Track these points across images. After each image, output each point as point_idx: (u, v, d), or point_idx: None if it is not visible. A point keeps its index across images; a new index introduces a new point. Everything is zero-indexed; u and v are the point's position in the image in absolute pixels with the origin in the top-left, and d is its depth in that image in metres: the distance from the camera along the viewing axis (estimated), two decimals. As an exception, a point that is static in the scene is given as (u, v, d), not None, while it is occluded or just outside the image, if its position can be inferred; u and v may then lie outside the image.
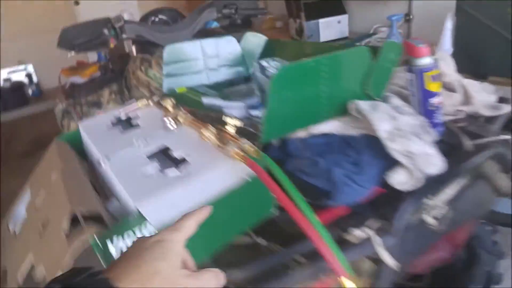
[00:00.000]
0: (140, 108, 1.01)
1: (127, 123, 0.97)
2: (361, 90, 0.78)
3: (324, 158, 0.74)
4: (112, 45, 1.62)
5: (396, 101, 0.80)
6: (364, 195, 0.69)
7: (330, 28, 2.51)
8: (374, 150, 0.73)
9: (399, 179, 0.68)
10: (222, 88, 1.12)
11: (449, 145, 0.80)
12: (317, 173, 0.74)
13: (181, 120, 0.81)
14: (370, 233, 0.64)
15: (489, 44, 1.54)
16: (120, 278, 0.35)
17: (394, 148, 0.68)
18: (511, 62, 1.47)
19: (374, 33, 2.40)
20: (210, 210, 0.45)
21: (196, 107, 0.96)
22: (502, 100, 0.96)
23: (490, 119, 0.90)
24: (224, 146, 0.65)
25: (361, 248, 0.64)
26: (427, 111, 0.82)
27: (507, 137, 0.80)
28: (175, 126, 0.82)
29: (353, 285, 0.54)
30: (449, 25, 1.58)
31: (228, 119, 0.69)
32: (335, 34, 2.54)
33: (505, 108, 0.90)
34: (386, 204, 0.72)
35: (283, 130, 0.73)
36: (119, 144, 0.80)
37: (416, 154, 0.68)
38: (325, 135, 0.79)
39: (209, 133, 0.68)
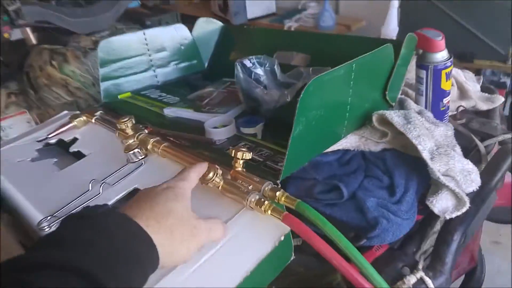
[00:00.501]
0: (76, 127, 0.75)
1: (63, 153, 0.71)
2: (380, 95, 0.64)
3: (343, 182, 0.60)
4: (6, 35, 1.26)
5: (413, 105, 0.68)
6: (408, 229, 0.56)
7: (257, 4, 2.33)
8: (406, 171, 0.60)
9: (444, 206, 0.56)
10: (177, 90, 0.90)
11: (465, 150, 0.71)
12: (339, 202, 0.60)
13: (154, 151, 0.60)
14: (423, 275, 0.53)
15: (436, 24, 1.52)
16: (135, 215, 0.36)
17: (438, 169, 0.56)
18: (459, 43, 1.47)
19: (303, 9, 2.29)
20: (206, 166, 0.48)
21: (155, 121, 0.74)
22: (487, 90, 0.91)
23: (486, 113, 0.84)
24: (242, 195, 0.47)
25: (416, 297, 0.52)
26: (439, 113, 0.72)
27: (517, 134, 0.74)
28: (141, 158, 0.60)
29: None
30: (395, 4, 1.53)
31: (237, 152, 0.50)
32: (262, 11, 2.37)
33: (499, 100, 0.85)
34: (422, 233, 0.61)
35: (306, 158, 0.57)
36: (64, 193, 0.57)
37: (457, 173, 0.58)
38: (336, 152, 0.65)
39: (214, 176, 0.48)
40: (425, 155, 0.56)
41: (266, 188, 0.49)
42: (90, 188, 0.56)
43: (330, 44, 0.80)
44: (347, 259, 0.43)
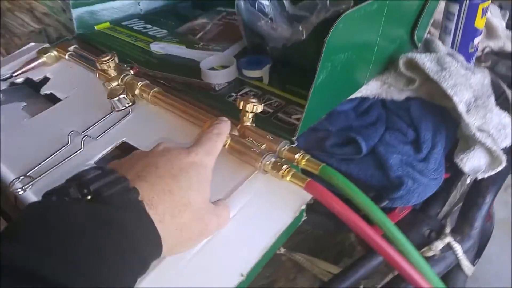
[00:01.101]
0: (46, 63, 0.64)
1: (33, 95, 0.61)
2: (407, 34, 0.55)
3: (361, 135, 0.53)
4: None
5: (442, 46, 0.59)
6: (435, 190, 0.50)
7: None
8: (433, 123, 0.53)
9: (476, 164, 0.50)
10: (164, 21, 0.78)
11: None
12: (356, 158, 0.53)
13: (143, 97, 0.50)
14: (452, 241, 0.48)
15: None
16: (152, 202, 0.30)
17: (473, 122, 0.49)
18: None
19: None
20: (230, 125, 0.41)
21: (141, 59, 0.63)
22: (512, 26, 0.82)
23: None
24: (255, 157, 0.39)
25: (443, 262, 0.48)
26: (467, 55, 0.63)
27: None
28: (128, 106, 0.51)
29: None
30: None
31: (247, 103, 0.41)
32: None
33: (527, 40, 0.76)
34: (446, 194, 0.55)
35: (325, 110, 0.49)
36: (39, 146, 0.48)
37: (492, 127, 0.51)
38: (353, 100, 0.56)
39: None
40: (461, 108, 0.48)
41: (283, 149, 0.41)
42: (69, 142, 0.47)
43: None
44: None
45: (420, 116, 0.53)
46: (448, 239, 0.47)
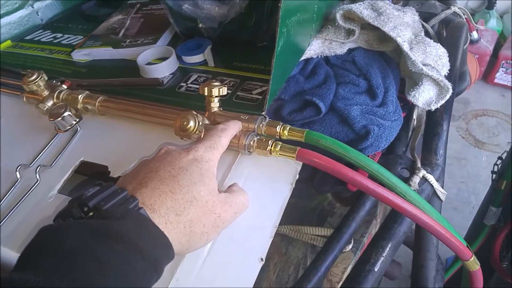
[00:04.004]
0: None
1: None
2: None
3: (316, 96, 0.53)
4: None
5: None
6: (398, 130, 0.53)
7: None
8: (380, 68, 0.55)
9: (427, 97, 0.53)
10: (73, 27, 0.70)
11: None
12: (317, 119, 0.53)
13: (88, 109, 0.45)
14: (425, 173, 0.51)
15: None
16: (154, 206, 0.30)
17: (418, 59, 0.51)
18: None
19: None
20: (240, 125, 0.39)
21: (67, 72, 0.57)
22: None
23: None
24: (235, 140, 0.37)
25: (423, 195, 0.51)
26: (387, -2, 0.67)
27: (456, 7, 0.73)
28: (75, 123, 0.45)
29: (478, 263, 0.42)
30: None
31: (212, 88, 0.39)
32: None
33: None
34: (406, 131, 0.58)
35: (284, 78, 0.48)
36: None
37: (432, 59, 0.54)
38: (297, 64, 0.56)
39: (196, 125, 0.37)
40: (406, 47, 0.50)
41: (261, 125, 0.39)
42: (19, 177, 0.41)
43: None
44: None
45: (366, 65, 0.55)
46: (422, 172, 0.50)
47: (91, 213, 0.28)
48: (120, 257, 0.25)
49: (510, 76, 2.08)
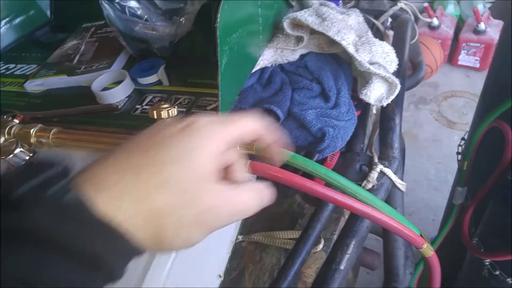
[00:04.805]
0: None
1: None
2: (282, -3, 0.57)
3: (274, 104, 0.54)
4: None
5: (314, -1, 0.62)
6: (353, 129, 0.54)
7: None
8: (331, 71, 0.57)
9: (378, 94, 0.55)
10: (27, 56, 0.70)
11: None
12: (277, 126, 0.55)
13: (43, 143, 0.46)
14: (382, 167, 0.53)
15: None
16: (103, 185, 0.22)
17: (364, 59, 0.53)
18: None
19: None
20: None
21: (21, 104, 0.57)
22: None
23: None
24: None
25: (382, 188, 0.52)
26: (335, 0, 0.69)
27: (403, 3, 0.76)
28: (28, 159, 0.46)
29: (432, 248, 0.44)
30: None
31: (160, 111, 0.40)
32: None
33: (376, -27, 0.84)
34: (363, 128, 0.60)
35: (237, 91, 0.49)
36: None
37: (379, 57, 0.56)
38: (253, 74, 0.58)
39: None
40: (351, 49, 0.52)
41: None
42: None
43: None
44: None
45: (318, 69, 0.57)
46: (379, 167, 0.52)
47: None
48: (28, 261, 0.20)
49: (472, 57, 2.14)
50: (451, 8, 2.27)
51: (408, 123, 2.13)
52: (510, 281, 0.74)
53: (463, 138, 0.98)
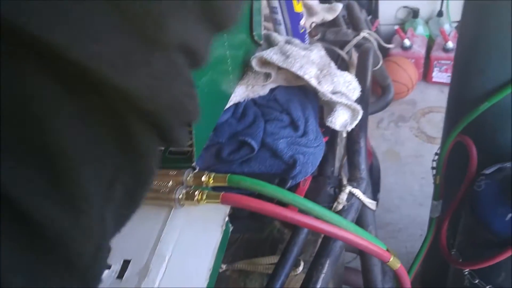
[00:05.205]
0: None
1: None
2: (249, 38, 0.62)
3: (248, 136, 0.58)
4: None
5: (279, 37, 0.68)
6: (322, 154, 0.58)
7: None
8: (299, 102, 0.61)
9: (343, 120, 0.60)
10: None
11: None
12: (252, 156, 0.59)
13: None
14: (351, 189, 0.56)
15: None
16: None
17: (327, 90, 0.58)
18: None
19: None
20: None
21: None
22: (324, 0, 0.97)
23: (332, 22, 0.90)
24: (167, 196, 0.41)
25: (352, 208, 0.56)
26: (300, 35, 0.74)
27: (365, 33, 0.81)
28: None
29: (399, 261, 0.47)
30: None
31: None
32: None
33: (339, 7, 0.91)
34: (332, 152, 0.64)
35: (210, 128, 0.53)
36: None
37: (341, 87, 0.61)
38: (228, 109, 0.62)
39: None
40: (313, 82, 0.57)
41: (188, 178, 0.44)
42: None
43: None
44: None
45: (287, 101, 0.61)
46: (348, 188, 0.56)
47: None
48: None
49: (444, 73, 2.24)
50: (421, 29, 2.38)
51: (389, 141, 2.19)
52: (490, 289, 0.77)
53: (436, 153, 1.02)
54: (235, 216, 0.56)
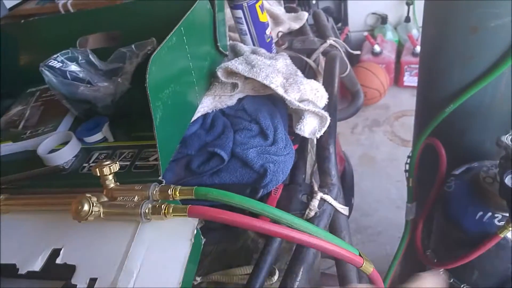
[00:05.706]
0: None
1: None
2: (214, 49, 0.62)
3: (218, 147, 0.58)
4: None
5: (244, 47, 0.68)
6: (292, 162, 0.58)
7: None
8: (267, 111, 0.61)
9: (311, 128, 0.60)
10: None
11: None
12: (222, 167, 0.58)
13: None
14: (322, 195, 0.57)
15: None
16: None
17: (294, 98, 0.58)
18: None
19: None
20: None
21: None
22: (290, 9, 0.98)
23: (299, 31, 0.91)
24: (133, 211, 0.40)
25: (325, 214, 0.56)
26: (266, 45, 0.75)
27: (332, 40, 0.83)
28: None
29: (372, 265, 0.47)
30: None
31: (102, 168, 0.42)
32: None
33: (305, 15, 0.92)
34: (303, 159, 0.64)
35: (176, 141, 0.52)
36: None
37: (308, 94, 0.61)
38: (196, 120, 0.61)
39: (91, 207, 0.40)
40: (280, 91, 0.57)
41: (154, 192, 0.43)
42: None
43: (136, 14, 0.72)
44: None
45: (255, 110, 0.61)
46: (319, 195, 0.56)
47: None
48: None
49: (415, 77, 2.29)
50: (390, 35, 2.44)
51: (364, 146, 2.22)
52: (465, 287, 0.78)
53: (409, 156, 1.04)
54: (208, 227, 0.56)
